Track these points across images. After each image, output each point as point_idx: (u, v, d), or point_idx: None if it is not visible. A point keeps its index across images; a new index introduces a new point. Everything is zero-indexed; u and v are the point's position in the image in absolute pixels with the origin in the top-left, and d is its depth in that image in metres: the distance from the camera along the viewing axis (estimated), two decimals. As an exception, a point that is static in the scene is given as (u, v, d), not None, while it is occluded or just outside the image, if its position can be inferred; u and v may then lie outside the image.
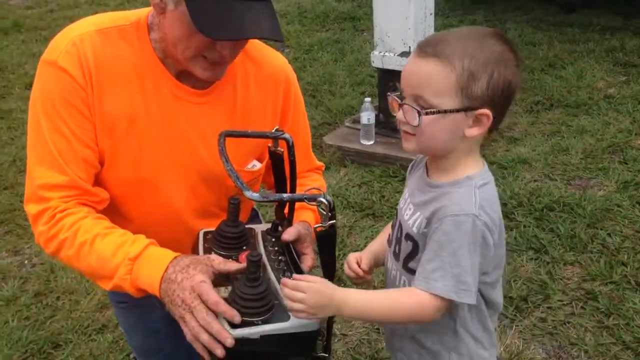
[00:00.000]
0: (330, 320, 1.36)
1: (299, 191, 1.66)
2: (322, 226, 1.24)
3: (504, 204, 3.08)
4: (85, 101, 1.38)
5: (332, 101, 4.58)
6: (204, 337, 1.17)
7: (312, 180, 1.74)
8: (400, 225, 1.34)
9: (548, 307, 2.45)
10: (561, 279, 2.60)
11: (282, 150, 1.43)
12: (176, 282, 1.23)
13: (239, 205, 1.37)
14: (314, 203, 1.22)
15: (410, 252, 1.29)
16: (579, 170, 3.44)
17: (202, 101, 1.48)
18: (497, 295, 1.34)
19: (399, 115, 1.23)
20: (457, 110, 1.17)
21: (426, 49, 1.19)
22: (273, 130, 1.42)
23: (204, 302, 1.18)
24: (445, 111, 1.17)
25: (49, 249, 1.39)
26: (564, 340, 2.30)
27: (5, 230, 3.29)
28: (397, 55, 3.60)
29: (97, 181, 1.45)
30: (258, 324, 1.18)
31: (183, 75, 1.45)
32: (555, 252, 2.75)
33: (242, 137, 1.42)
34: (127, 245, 1.32)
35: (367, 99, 3.77)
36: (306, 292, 1.18)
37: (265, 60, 1.59)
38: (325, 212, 1.21)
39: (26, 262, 2.98)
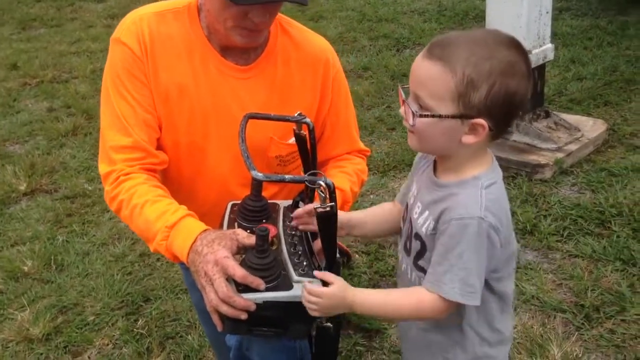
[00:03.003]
0: None
1: (334, 171, 1.76)
2: (321, 207, 1.22)
3: (601, 212, 2.91)
4: (143, 71, 1.55)
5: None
6: (225, 308, 1.25)
7: (352, 163, 1.78)
8: (410, 222, 1.35)
9: (622, 320, 2.29)
10: (643, 293, 2.42)
11: (304, 133, 1.49)
12: (201, 255, 1.32)
13: (262, 182, 1.44)
14: (314, 185, 1.22)
15: (419, 250, 1.31)
16: (699, 183, 3.12)
17: (244, 77, 1.61)
18: (507, 287, 1.33)
19: (401, 110, 1.24)
20: (452, 117, 1.15)
21: (434, 49, 1.17)
22: (295, 115, 1.48)
23: (230, 275, 1.26)
24: (440, 116, 1.16)
25: (112, 207, 1.55)
26: (630, 354, 2.15)
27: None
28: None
29: (158, 146, 1.61)
30: (263, 291, 1.26)
31: (226, 51, 1.59)
32: (645, 265, 2.56)
33: (265, 119, 1.50)
34: (168, 214, 1.43)
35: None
36: (321, 297, 1.24)
37: (306, 41, 1.67)
38: (323, 195, 1.21)
39: (140, 227, 3.35)
